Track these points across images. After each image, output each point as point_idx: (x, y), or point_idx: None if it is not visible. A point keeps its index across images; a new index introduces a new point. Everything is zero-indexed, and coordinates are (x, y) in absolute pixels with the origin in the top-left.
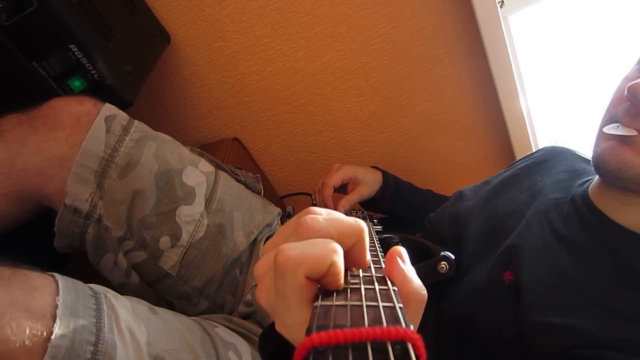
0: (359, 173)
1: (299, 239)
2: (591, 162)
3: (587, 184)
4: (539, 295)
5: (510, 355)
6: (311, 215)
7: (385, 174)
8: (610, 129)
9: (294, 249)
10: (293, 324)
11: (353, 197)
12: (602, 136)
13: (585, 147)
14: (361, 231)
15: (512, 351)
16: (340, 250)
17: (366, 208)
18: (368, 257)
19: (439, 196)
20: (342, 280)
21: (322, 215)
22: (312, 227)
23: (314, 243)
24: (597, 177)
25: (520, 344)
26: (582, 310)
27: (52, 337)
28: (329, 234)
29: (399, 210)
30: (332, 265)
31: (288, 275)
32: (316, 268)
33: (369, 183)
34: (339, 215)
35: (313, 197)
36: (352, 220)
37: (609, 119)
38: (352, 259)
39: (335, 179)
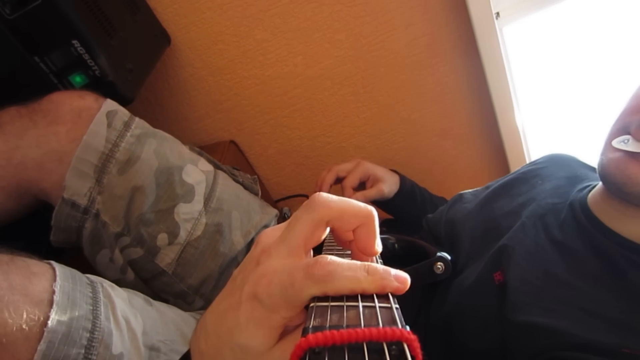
0: (379, 170)
1: (308, 212)
2: (596, 170)
3: (586, 190)
4: (524, 295)
5: (492, 356)
6: (324, 193)
7: (402, 177)
8: (620, 144)
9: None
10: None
11: (371, 193)
12: (609, 147)
13: (580, 154)
14: (369, 214)
15: (494, 352)
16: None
17: (377, 207)
18: (378, 245)
19: None
20: None
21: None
22: (324, 202)
23: (349, 267)
24: (598, 184)
25: (503, 344)
26: (566, 312)
27: (49, 322)
28: (335, 211)
29: (409, 214)
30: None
31: (315, 287)
32: (342, 292)
33: (389, 182)
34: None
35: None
36: (362, 204)
37: (621, 129)
38: (359, 244)
39: (353, 180)
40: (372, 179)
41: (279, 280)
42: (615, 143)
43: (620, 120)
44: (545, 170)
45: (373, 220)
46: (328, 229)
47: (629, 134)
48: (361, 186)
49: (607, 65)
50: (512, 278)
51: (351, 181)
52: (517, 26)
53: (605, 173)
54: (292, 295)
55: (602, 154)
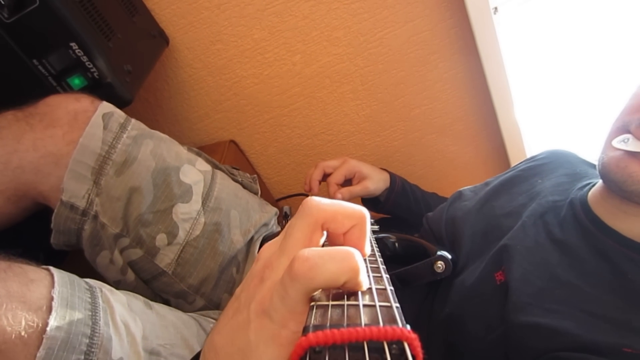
0: (364, 168)
1: (302, 217)
2: (597, 168)
3: (587, 188)
4: (526, 295)
5: (494, 356)
6: (316, 197)
7: (392, 176)
8: (620, 143)
9: (313, 264)
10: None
11: (356, 189)
12: (610, 146)
13: (580, 150)
14: (362, 215)
15: (496, 351)
16: (358, 266)
17: (370, 208)
18: (368, 247)
19: (445, 199)
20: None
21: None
22: (317, 205)
23: (332, 256)
24: (599, 182)
25: (505, 345)
26: (567, 313)
27: (48, 328)
28: (329, 212)
29: (403, 212)
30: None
31: (301, 284)
32: (332, 283)
33: (375, 179)
34: (341, 201)
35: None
36: (355, 205)
37: (620, 127)
38: (351, 244)
39: (338, 177)
40: (357, 176)
41: (277, 291)
42: (616, 142)
43: (620, 119)
44: (545, 167)
45: (365, 222)
46: (325, 233)
47: (629, 132)
48: (347, 183)
49: (605, 60)
50: (514, 278)
51: (336, 177)
52: (515, 21)
53: (605, 171)
54: (289, 303)
55: (603, 152)
